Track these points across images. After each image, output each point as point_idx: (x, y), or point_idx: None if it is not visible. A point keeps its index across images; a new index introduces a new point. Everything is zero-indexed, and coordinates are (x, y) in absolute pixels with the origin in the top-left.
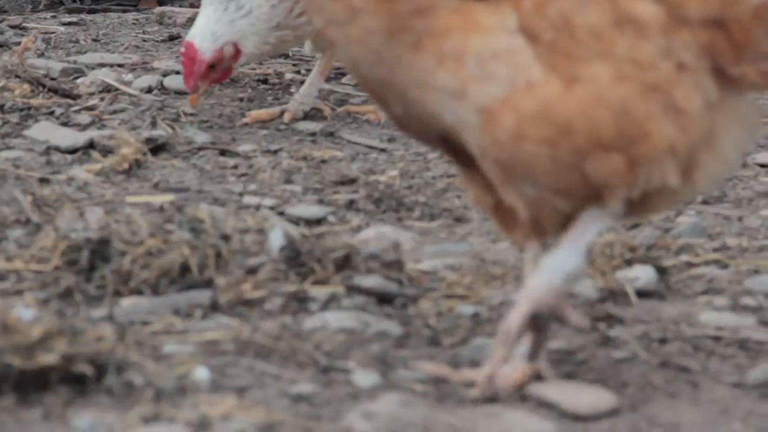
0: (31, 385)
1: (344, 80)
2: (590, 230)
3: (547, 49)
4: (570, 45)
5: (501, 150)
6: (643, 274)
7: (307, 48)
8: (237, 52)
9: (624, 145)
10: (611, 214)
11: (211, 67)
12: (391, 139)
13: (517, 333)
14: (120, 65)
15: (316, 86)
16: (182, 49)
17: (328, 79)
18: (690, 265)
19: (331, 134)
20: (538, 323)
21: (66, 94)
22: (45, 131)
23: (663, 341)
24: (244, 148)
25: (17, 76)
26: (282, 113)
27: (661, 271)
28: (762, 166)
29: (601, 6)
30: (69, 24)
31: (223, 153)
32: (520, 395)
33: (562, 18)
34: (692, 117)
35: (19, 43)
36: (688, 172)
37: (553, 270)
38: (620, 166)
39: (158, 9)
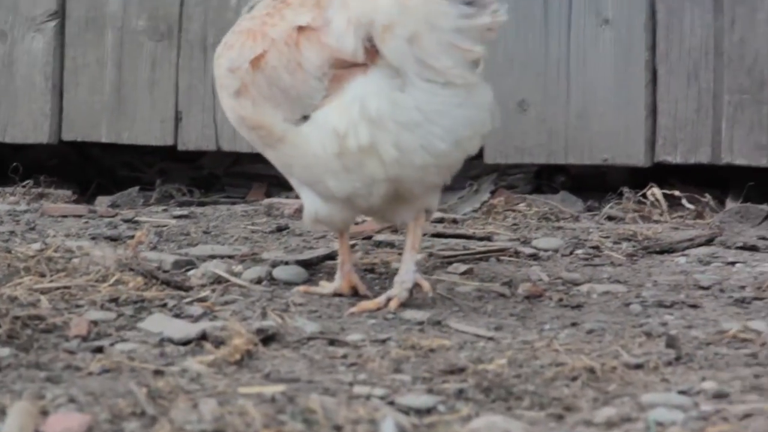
0: None
1: (450, 269)
2: None
3: None
4: None
5: None
6: None
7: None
8: None
9: None
10: None
11: None
12: (498, 328)
13: None
14: (230, 257)
15: (411, 261)
16: None
17: (434, 268)
18: None
19: (438, 323)
20: None
21: (178, 286)
22: (158, 323)
23: None
24: (352, 337)
25: (131, 269)
26: (388, 301)
27: None
28: None
29: None
30: (180, 217)
31: (332, 343)
32: None
33: None
34: None
35: (132, 237)
36: None
37: None
38: None
39: (266, 201)
